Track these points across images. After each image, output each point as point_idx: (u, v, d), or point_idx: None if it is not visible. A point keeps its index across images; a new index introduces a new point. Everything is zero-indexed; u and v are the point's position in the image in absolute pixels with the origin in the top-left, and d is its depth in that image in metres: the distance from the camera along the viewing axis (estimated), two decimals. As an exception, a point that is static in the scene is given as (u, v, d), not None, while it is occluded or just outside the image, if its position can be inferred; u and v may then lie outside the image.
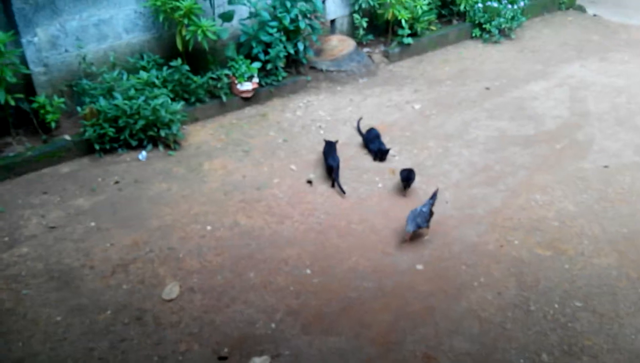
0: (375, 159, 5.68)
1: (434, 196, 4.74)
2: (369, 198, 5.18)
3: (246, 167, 5.54)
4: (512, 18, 8.88)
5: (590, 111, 6.80)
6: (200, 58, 6.44)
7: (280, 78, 6.80)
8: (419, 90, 7.27)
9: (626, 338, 3.84)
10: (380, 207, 5.05)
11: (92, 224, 4.70)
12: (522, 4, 9.00)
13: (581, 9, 10.65)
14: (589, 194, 5.27)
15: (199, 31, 5.86)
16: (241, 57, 6.53)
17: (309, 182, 5.34)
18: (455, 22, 9.04)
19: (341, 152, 5.80)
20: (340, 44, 7.59)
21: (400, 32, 7.95)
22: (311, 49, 7.13)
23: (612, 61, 8.28)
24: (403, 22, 7.76)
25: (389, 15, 7.78)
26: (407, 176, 5.15)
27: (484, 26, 8.83)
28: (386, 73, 7.72)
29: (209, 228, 4.70)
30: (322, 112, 6.61)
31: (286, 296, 4.05)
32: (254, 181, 5.34)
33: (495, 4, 8.74)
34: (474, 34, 8.92)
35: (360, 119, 6.22)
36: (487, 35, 8.85)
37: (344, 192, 5.19)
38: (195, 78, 6.12)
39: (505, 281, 4.28)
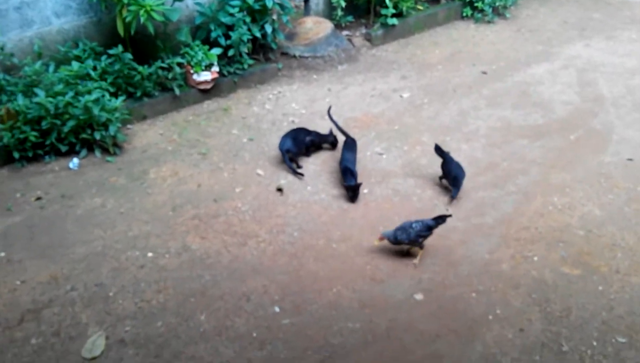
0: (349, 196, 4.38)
1: (440, 219, 3.76)
2: (352, 208, 4.23)
3: (202, 174, 4.55)
4: (507, -6, 7.97)
5: (604, 96, 5.92)
6: (147, 45, 5.41)
7: (245, 66, 5.80)
8: (407, 76, 6.32)
9: (686, 384, 2.95)
10: (366, 220, 4.10)
11: (1, 254, 3.69)
12: (516, -21, 8.08)
13: (578, -14, 9.81)
14: (615, 194, 4.38)
15: (142, 12, 4.83)
16: (197, 42, 5.51)
17: (279, 190, 4.37)
18: (443, 0, 8.11)
19: (320, 152, 4.85)
20: (316, 27, 6.61)
21: (383, 11, 6.98)
22: (282, 32, 6.13)
23: (620, 39, 7.41)
24: (387, 0, 6.80)
25: (371, -8, 6.82)
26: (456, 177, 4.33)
27: (475, 4, 7.89)
28: (369, 58, 6.75)
29: (150, 255, 3.71)
30: (296, 105, 5.63)
31: (247, 347, 3.09)
32: (210, 191, 4.35)
33: (488, -21, 7.82)
34: (464, 14, 7.99)
35: (330, 108, 5.02)
36: (479, 15, 7.93)
37: (301, 175, 4.53)
38: (140, 68, 5.10)
39: (528, 312, 3.36)
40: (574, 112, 5.60)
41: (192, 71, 5.42)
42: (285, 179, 4.51)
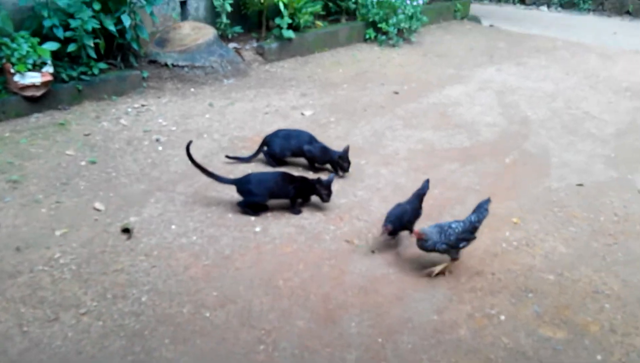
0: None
1: (481, 209, 2.87)
2: (238, 254, 2.87)
3: (5, 210, 2.98)
4: (412, 17, 7.29)
5: (530, 118, 5.19)
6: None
7: (95, 71, 4.36)
8: (308, 94, 5.21)
9: None
10: (259, 270, 2.77)
11: None
12: (420, 1, 7.46)
13: (476, 20, 9.56)
14: (577, 226, 3.44)
15: None
16: (24, 33, 4.00)
17: (126, 231, 2.92)
18: (344, 20, 7.26)
19: (195, 178, 3.48)
20: (195, 33, 5.34)
21: (277, 21, 5.90)
22: (145, 28, 4.75)
23: (530, 66, 6.94)
24: (281, 6, 5.73)
25: (262, -3, 5.72)
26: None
27: (379, 26, 7.14)
28: (262, 74, 5.58)
29: None
30: (164, 121, 4.24)
31: None
32: (14, 235, 2.80)
33: (392, -1, 7.11)
34: (367, 36, 7.18)
35: (190, 143, 3.31)
36: (383, 37, 7.16)
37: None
38: None
39: (510, 405, 2.16)
40: (503, 135, 4.77)
41: (12, 71, 3.87)
42: (139, 216, 3.06)
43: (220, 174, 3.23)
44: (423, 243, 2.75)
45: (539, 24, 9.82)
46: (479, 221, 2.82)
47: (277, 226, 3.14)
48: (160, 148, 3.81)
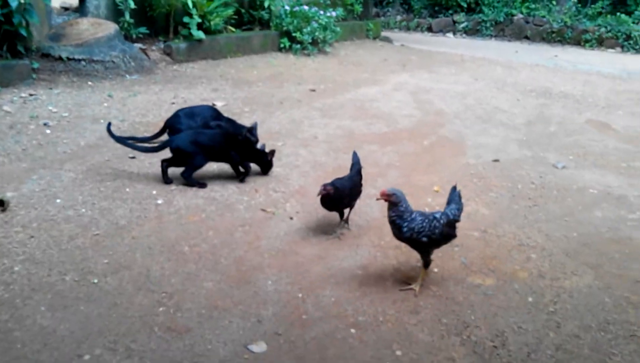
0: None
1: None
2: (136, 224, 2.52)
3: None
4: (326, 28, 7.32)
5: (444, 111, 5.24)
6: None
7: (-25, 57, 3.88)
8: (220, 89, 4.98)
9: None
10: (160, 238, 2.43)
11: None
12: (334, 13, 7.53)
13: (388, 40, 9.86)
14: (497, 193, 3.39)
15: None
16: None
17: (0, 205, 2.48)
18: (257, 28, 7.15)
19: (87, 157, 3.10)
20: (94, 28, 4.98)
21: (186, 20, 5.66)
22: (35, 13, 4.34)
23: (442, 73, 7.14)
24: (190, 4, 5.51)
25: (169, -4, 5.47)
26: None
27: (293, 35, 7.09)
28: (169, 72, 5.29)
29: None
30: (55, 108, 3.83)
31: None
32: None
33: (305, 7, 7.11)
34: (282, 45, 7.10)
35: (110, 124, 3.09)
36: (298, 46, 7.10)
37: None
38: None
39: (446, 347, 1.97)
40: (419, 123, 4.75)
41: None
42: (17, 191, 2.64)
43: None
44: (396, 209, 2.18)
45: (446, 45, 10.27)
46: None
47: (182, 199, 2.81)
48: (48, 131, 3.40)
